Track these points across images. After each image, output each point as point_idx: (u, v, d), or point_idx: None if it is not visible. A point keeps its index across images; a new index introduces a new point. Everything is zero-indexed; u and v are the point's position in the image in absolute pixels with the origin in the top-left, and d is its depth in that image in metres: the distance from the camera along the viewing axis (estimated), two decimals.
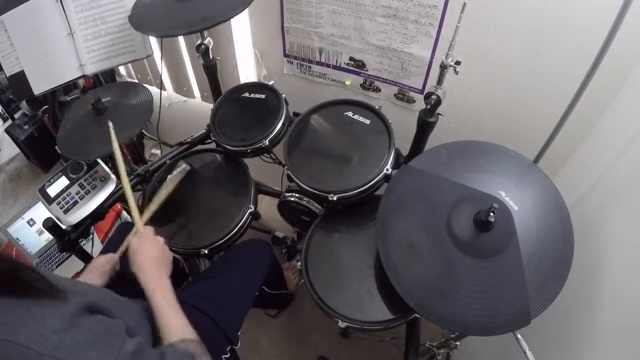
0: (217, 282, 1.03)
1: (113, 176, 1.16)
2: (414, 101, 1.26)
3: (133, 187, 1.20)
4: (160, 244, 0.86)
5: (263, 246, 1.20)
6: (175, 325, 0.71)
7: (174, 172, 1.15)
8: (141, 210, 0.97)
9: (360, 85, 1.33)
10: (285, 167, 1.02)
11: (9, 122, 2.04)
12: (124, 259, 0.93)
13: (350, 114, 1.08)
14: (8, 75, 1.25)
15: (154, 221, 1.03)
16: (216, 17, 0.98)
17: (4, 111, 2.07)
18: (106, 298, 0.72)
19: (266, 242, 1.24)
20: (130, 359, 0.53)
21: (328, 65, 1.35)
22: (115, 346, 0.53)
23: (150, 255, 0.81)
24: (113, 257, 0.93)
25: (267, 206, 1.91)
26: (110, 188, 1.14)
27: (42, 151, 2.08)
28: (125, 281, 0.96)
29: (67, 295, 0.54)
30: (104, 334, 0.54)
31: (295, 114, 1.17)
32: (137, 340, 0.57)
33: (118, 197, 1.15)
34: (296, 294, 1.63)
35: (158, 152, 2.08)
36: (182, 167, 1.17)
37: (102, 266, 0.90)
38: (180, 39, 1.60)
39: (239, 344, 1.00)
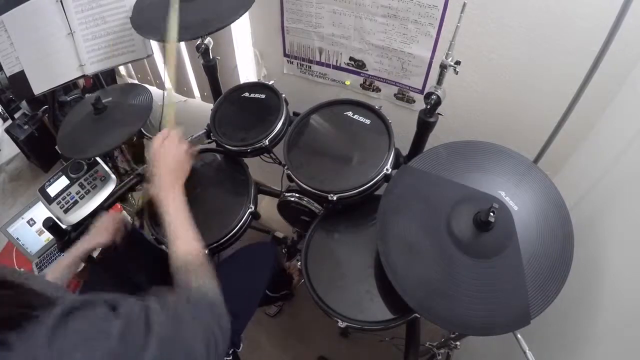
0: (222, 285, 1.03)
1: (113, 176, 1.16)
2: (414, 101, 1.26)
3: (133, 187, 1.21)
4: (182, 150, 0.84)
5: (267, 250, 1.20)
6: (185, 235, 0.71)
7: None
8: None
9: (360, 85, 1.33)
10: (285, 167, 1.02)
11: (9, 122, 2.04)
12: (119, 260, 0.93)
13: (350, 114, 1.08)
14: (8, 75, 1.25)
15: (154, 221, 1.03)
16: (216, 21, 0.98)
17: (4, 111, 2.07)
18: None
19: (270, 245, 1.24)
20: (118, 343, 0.49)
21: (328, 65, 1.35)
22: (100, 339, 0.49)
23: (170, 158, 0.80)
24: (120, 218, 0.94)
25: (267, 206, 1.91)
26: (110, 188, 1.14)
27: (42, 151, 2.08)
28: (121, 281, 0.96)
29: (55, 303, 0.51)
30: (88, 331, 0.49)
31: (295, 114, 1.17)
32: (122, 314, 0.52)
33: (118, 197, 1.15)
34: (296, 293, 1.63)
35: None
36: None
37: (105, 226, 0.91)
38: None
39: (241, 347, 1.01)
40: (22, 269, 1.59)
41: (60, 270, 0.89)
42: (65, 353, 0.46)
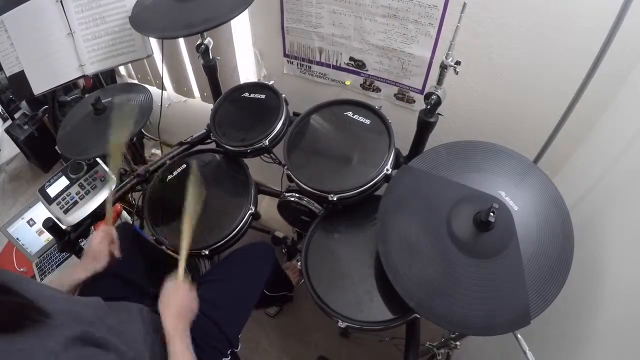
0: (220, 285, 1.03)
1: (113, 176, 1.16)
2: (414, 101, 1.26)
3: (133, 187, 1.21)
4: (191, 297, 0.85)
5: (265, 250, 1.20)
6: None
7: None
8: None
9: (360, 85, 1.33)
10: (285, 167, 1.02)
11: (9, 122, 2.04)
12: (119, 260, 0.92)
13: (350, 114, 1.08)
14: (8, 75, 1.25)
15: (154, 221, 1.03)
16: (216, 18, 0.98)
17: (4, 111, 2.07)
18: (98, 311, 0.70)
19: (268, 245, 1.24)
20: None
21: (328, 65, 1.35)
22: None
23: (180, 302, 0.82)
24: (107, 233, 0.91)
25: (267, 206, 1.91)
26: (110, 188, 1.14)
27: (42, 151, 2.08)
28: (121, 281, 0.96)
29: (55, 319, 0.51)
30: None
31: (295, 114, 1.17)
32: None
33: (118, 197, 1.15)
34: (296, 294, 1.63)
35: (158, 152, 2.08)
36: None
37: (98, 251, 0.88)
38: (181, 39, 1.60)
39: (239, 347, 1.01)
40: (22, 269, 1.59)
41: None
42: None
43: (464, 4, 0.74)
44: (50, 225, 1.03)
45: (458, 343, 0.97)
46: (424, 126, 0.96)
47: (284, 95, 1.17)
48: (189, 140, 1.27)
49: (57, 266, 1.60)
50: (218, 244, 1.05)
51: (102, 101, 1.17)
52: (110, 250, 0.91)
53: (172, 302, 0.81)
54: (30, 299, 0.52)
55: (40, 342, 0.47)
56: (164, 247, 1.09)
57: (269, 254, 1.19)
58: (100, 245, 0.90)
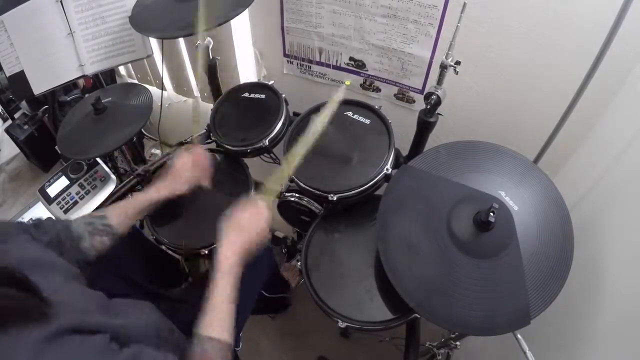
0: None
1: (113, 176, 1.16)
2: (414, 101, 1.26)
3: (133, 187, 1.21)
4: (265, 230, 0.78)
5: (264, 250, 1.19)
6: (220, 320, 0.67)
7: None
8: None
9: (360, 85, 1.33)
10: None
11: (9, 122, 2.04)
12: (119, 260, 0.89)
13: (350, 114, 1.08)
14: (8, 75, 1.25)
15: (154, 221, 1.03)
16: (216, 18, 0.98)
17: (4, 111, 2.06)
18: (100, 301, 0.66)
19: (267, 246, 1.24)
20: None
21: (328, 65, 1.35)
22: None
23: (253, 234, 0.75)
24: (196, 154, 0.82)
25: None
26: (110, 188, 1.14)
27: (42, 151, 2.08)
28: (124, 281, 0.96)
29: (55, 311, 0.49)
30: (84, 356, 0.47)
31: (295, 114, 1.17)
32: (130, 355, 0.51)
33: (118, 197, 1.15)
34: (296, 294, 1.62)
35: (158, 152, 2.08)
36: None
37: (180, 171, 0.80)
38: (180, 39, 1.60)
39: (240, 345, 1.01)
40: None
41: (121, 214, 0.81)
42: None
43: (464, 4, 0.74)
44: None
45: (458, 343, 0.97)
46: (424, 126, 0.96)
47: (284, 95, 1.17)
48: (189, 140, 1.27)
49: None
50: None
51: (102, 101, 1.17)
52: (196, 175, 0.81)
53: (244, 231, 0.72)
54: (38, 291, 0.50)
55: (23, 338, 0.45)
56: (163, 247, 1.09)
57: (268, 253, 1.19)
58: (184, 167, 0.81)
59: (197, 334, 0.64)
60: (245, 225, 0.75)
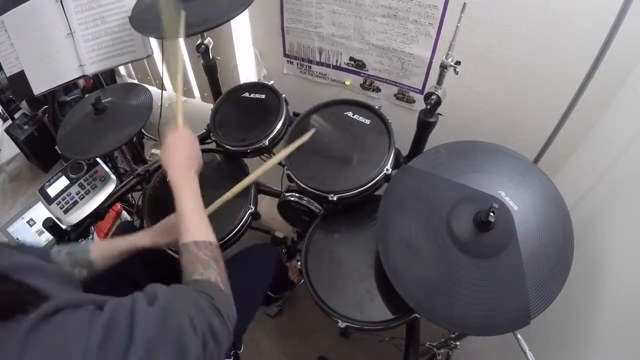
0: None
1: (113, 176, 1.16)
2: (414, 101, 1.26)
3: (133, 187, 1.21)
4: (195, 144, 0.83)
5: (270, 252, 1.19)
6: (196, 225, 0.69)
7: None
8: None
9: (360, 85, 1.33)
10: (285, 167, 1.02)
11: (9, 122, 2.04)
12: (123, 262, 0.90)
13: (350, 114, 1.08)
14: (8, 75, 1.25)
15: (154, 221, 1.03)
16: (216, 18, 0.98)
17: (4, 111, 2.06)
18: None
19: (272, 247, 1.24)
20: (97, 345, 0.46)
21: (328, 65, 1.35)
22: (77, 342, 0.46)
23: (184, 152, 0.79)
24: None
25: (267, 206, 1.91)
26: (110, 188, 1.14)
27: (42, 151, 2.08)
28: (122, 280, 0.96)
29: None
30: (67, 331, 0.47)
31: (295, 114, 1.17)
32: (106, 313, 0.49)
33: (118, 197, 1.15)
34: (296, 294, 1.63)
35: (158, 152, 2.08)
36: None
37: (174, 229, 0.80)
38: (181, 39, 1.60)
39: (242, 348, 1.01)
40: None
41: (104, 253, 0.83)
42: (38, 353, 0.44)
43: (464, 4, 0.74)
44: (50, 225, 1.03)
45: (458, 343, 0.97)
46: (424, 126, 0.96)
47: (284, 95, 1.17)
48: None
49: None
50: (218, 244, 1.05)
51: (102, 101, 1.17)
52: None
53: (176, 153, 0.77)
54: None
55: (8, 332, 0.45)
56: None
57: (274, 256, 1.19)
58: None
59: (180, 245, 0.66)
60: (171, 148, 0.79)
